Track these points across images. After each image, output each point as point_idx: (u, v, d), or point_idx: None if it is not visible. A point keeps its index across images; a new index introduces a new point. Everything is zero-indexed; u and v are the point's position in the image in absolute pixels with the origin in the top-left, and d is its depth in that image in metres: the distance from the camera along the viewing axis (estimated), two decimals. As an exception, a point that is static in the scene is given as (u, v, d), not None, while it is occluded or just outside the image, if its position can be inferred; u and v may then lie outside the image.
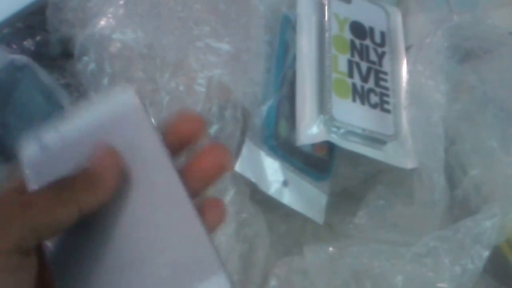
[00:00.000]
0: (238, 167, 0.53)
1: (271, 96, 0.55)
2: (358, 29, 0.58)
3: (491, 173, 0.54)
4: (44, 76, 0.56)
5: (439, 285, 0.48)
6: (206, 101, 0.54)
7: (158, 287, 0.28)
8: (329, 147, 0.56)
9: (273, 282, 0.51)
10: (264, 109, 0.54)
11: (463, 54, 0.57)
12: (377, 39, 0.59)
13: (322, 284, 0.49)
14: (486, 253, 0.49)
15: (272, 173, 0.54)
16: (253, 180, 0.53)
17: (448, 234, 0.50)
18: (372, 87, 0.56)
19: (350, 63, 0.57)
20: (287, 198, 0.54)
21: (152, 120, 0.33)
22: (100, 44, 0.54)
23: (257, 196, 0.55)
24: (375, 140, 0.55)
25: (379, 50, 0.58)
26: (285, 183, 0.54)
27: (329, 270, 0.49)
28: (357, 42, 0.58)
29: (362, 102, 0.55)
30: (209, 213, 0.31)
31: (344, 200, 0.57)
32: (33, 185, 0.30)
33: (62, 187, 0.28)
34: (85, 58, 0.55)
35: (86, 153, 0.30)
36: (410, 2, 0.61)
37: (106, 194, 0.29)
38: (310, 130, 0.54)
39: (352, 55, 0.57)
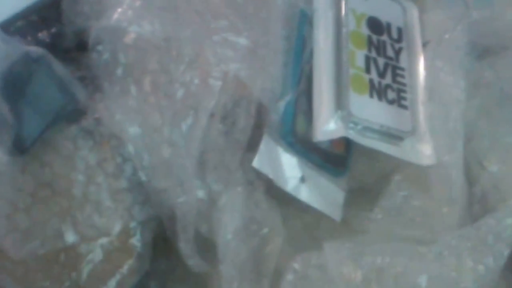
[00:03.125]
0: (255, 163, 0.49)
1: (289, 92, 0.51)
2: (375, 25, 0.54)
3: (510, 169, 0.50)
4: (59, 68, 0.51)
5: (463, 285, 0.44)
6: (221, 96, 0.49)
7: None
8: (347, 143, 0.52)
9: (289, 276, 0.47)
10: (282, 104, 0.50)
11: (481, 50, 0.53)
12: (394, 34, 0.54)
13: (342, 280, 0.45)
14: (507, 251, 0.46)
15: (289, 169, 0.50)
16: (270, 176, 0.49)
17: (470, 232, 0.46)
18: (389, 83, 0.52)
19: (367, 58, 0.52)
20: (304, 194, 0.50)
21: None
22: (115, 35, 0.50)
23: (272, 192, 0.50)
24: (392, 136, 0.51)
25: (396, 46, 0.54)
26: (302, 179, 0.50)
27: (350, 267, 0.45)
28: (374, 37, 0.54)
29: (380, 98, 0.51)
30: None
31: (361, 196, 0.52)
32: None
33: None
34: (99, 48, 0.50)
35: None
36: (427, -2, 0.57)
37: None
38: (327, 126, 0.50)
39: (369, 50, 0.53)
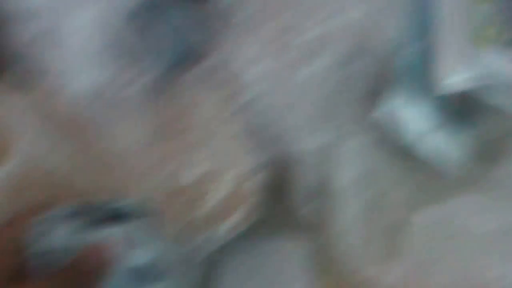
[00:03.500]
0: (377, 113, 0.48)
1: (413, 42, 0.49)
2: (505, -25, 0.52)
3: None
4: (178, 14, 0.51)
5: None
6: (343, 43, 0.48)
7: None
8: (471, 97, 0.50)
9: (410, 230, 0.46)
10: (405, 55, 0.49)
11: None
12: (526, -15, 0.52)
13: (466, 236, 0.44)
14: None
15: (411, 122, 0.48)
16: (391, 127, 0.48)
17: None
18: (519, 35, 0.50)
19: (495, 9, 0.50)
20: (426, 148, 0.48)
21: None
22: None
23: (392, 144, 0.49)
24: (522, 91, 0.48)
25: (528, -3, 0.51)
26: (424, 133, 0.48)
27: (475, 223, 0.44)
28: (503, -12, 0.51)
29: (508, 51, 0.49)
30: None
31: (483, 153, 0.50)
32: None
33: None
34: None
35: None
36: None
37: None
38: (452, 79, 0.48)
39: (496, 1, 0.50)
